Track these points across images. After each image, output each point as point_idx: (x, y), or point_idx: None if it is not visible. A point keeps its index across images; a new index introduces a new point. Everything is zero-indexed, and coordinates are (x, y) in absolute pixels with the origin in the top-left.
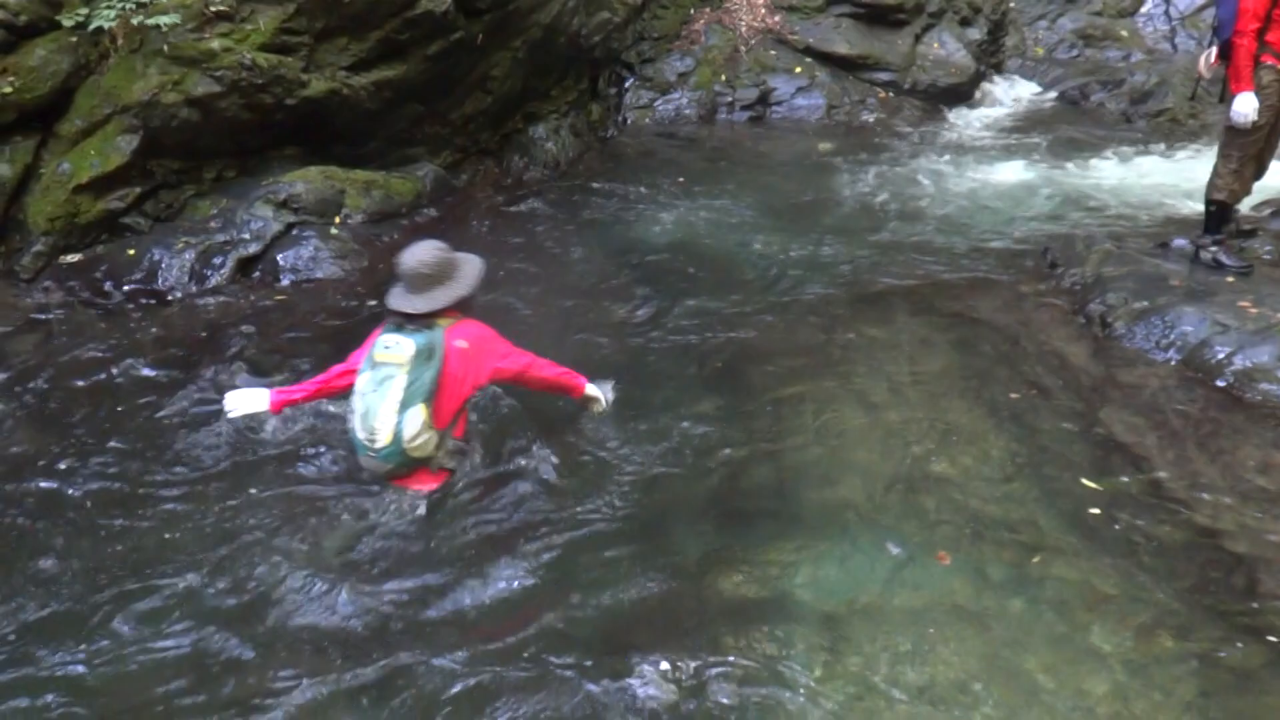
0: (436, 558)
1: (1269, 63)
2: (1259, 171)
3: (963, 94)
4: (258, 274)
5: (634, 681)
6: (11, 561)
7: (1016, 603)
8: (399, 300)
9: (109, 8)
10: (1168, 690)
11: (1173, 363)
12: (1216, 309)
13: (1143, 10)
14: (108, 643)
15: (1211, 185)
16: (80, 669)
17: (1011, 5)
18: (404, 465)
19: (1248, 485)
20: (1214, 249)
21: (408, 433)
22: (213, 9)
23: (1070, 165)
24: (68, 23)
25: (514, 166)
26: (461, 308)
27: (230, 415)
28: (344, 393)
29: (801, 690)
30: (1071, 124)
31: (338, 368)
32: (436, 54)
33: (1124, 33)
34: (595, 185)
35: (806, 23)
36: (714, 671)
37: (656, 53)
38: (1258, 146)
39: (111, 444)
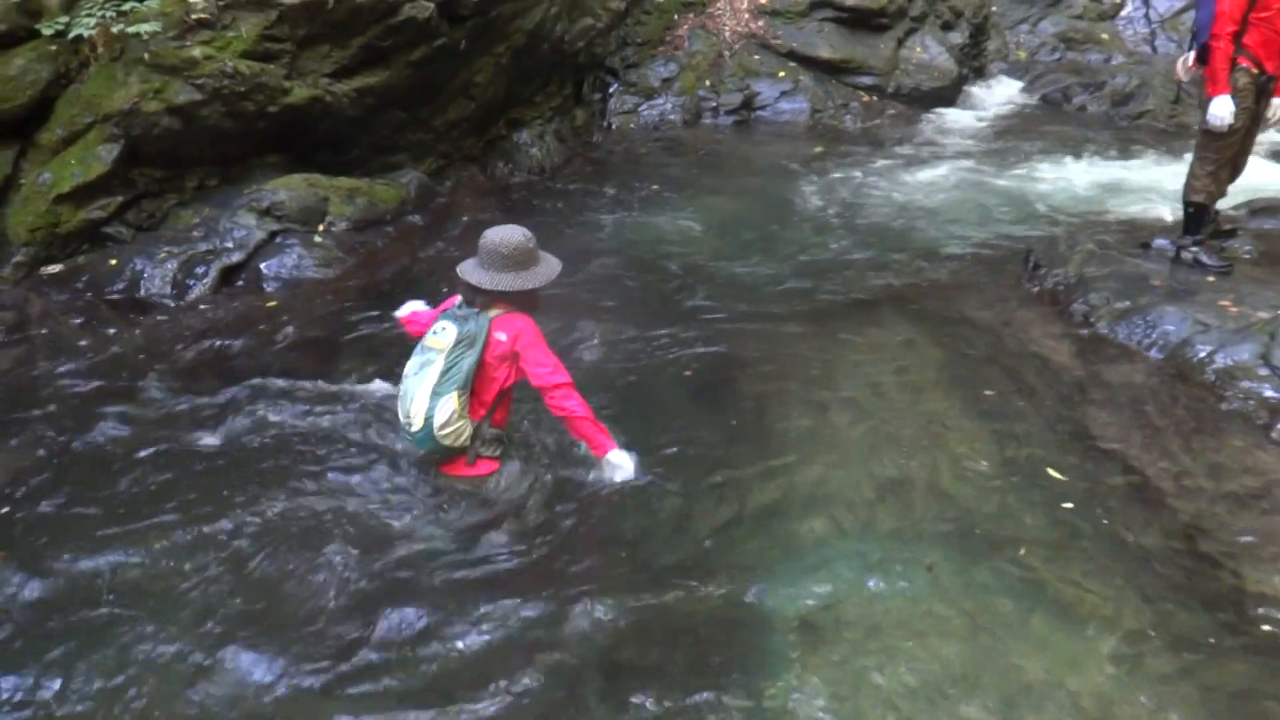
0: (422, 570)
1: (1244, 65)
2: (1234, 174)
3: (945, 97)
4: (241, 283)
5: (621, 692)
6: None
7: (1003, 603)
8: (468, 270)
9: (89, 16)
10: (1155, 689)
11: (1155, 362)
12: (1198, 308)
13: (1123, 14)
14: (99, 656)
15: (1189, 187)
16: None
17: (993, 9)
18: (437, 451)
19: (1231, 482)
20: (1194, 249)
21: (438, 419)
22: (194, 16)
23: (1052, 167)
24: (47, 31)
25: (498, 172)
26: (523, 302)
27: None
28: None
29: (789, 695)
30: (1054, 126)
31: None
32: (419, 61)
33: (1105, 36)
34: (580, 190)
35: (790, 27)
36: (699, 680)
37: (640, 58)
38: (1234, 149)
39: (93, 455)
